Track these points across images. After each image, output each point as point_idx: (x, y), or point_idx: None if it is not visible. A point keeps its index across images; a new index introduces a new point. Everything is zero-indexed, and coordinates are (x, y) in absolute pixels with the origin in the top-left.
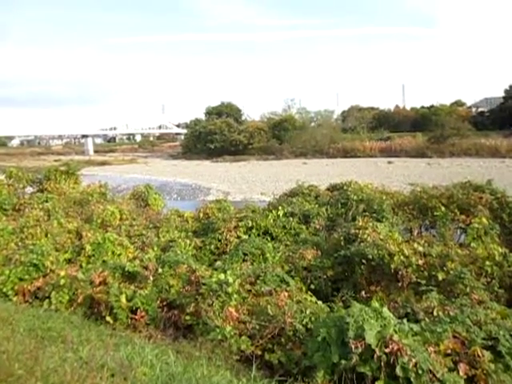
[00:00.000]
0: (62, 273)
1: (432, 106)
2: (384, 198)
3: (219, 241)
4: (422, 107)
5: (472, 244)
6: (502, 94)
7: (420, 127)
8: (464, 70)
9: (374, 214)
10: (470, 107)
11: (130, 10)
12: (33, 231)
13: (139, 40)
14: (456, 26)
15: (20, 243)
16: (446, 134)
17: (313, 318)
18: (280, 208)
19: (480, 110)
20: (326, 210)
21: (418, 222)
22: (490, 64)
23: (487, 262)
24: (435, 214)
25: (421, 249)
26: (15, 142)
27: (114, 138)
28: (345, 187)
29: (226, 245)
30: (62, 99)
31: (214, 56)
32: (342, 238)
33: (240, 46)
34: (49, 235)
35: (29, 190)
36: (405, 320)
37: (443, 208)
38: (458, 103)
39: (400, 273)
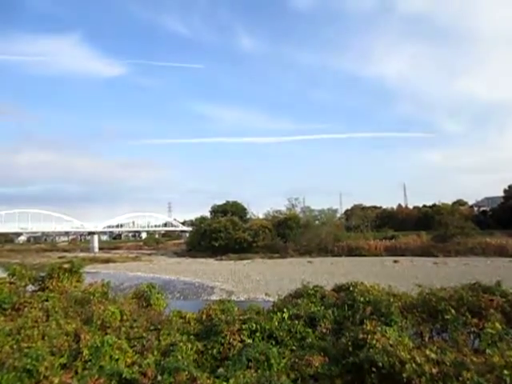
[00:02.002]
0: (56, 380)
1: (434, 205)
2: (392, 299)
3: (222, 345)
4: (425, 206)
5: (487, 350)
6: (501, 193)
7: (423, 226)
8: (463, 170)
9: (382, 318)
10: (471, 206)
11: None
12: (30, 333)
13: (146, 143)
14: (452, 130)
15: (15, 346)
16: (451, 232)
17: None
18: (285, 310)
19: (482, 209)
20: (333, 312)
21: (429, 325)
22: (488, 164)
23: (505, 371)
24: (446, 317)
25: (433, 356)
26: (22, 239)
27: (120, 235)
28: (351, 288)
29: (229, 349)
30: (72, 197)
31: (219, 158)
32: (349, 343)
33: (243, 148)
34: (46, 337)
35: (30, 287)
36: None
37: (453, 311)
38: (460, 202)
39: (413, 382)
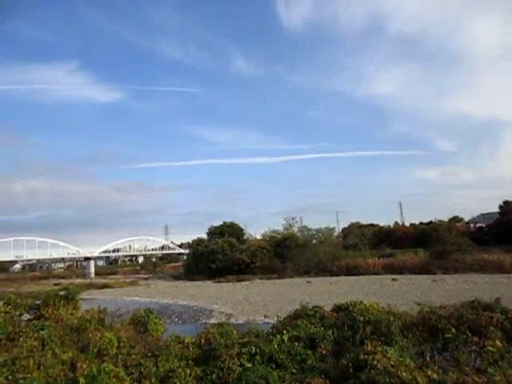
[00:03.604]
0: None
1: (431, 222)
2: (392, 319)
3: (221, 369)
4: (421, 223)
5: (489, 369)
6: (497, 209)
7: (420, 243)
8: (458, 187)
9: (383, 337)
10: (467, 223)
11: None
12: (25, 363)
13: (141, 166)
14: (446, 148)
15: (11, 377)
16: (448, 249)
17: None
18: (284, 332)
19: (478, 225)
20: (333, 332)
21: (430, 344)
22: (482, 181)
23: None
24: (446, 336)
25: (435, 376)
26: (17, 267)
27: (117, 260)
28: (350, 308)
29: (229, 374)
30: (67, 223)
31: (215, 179)
32: (350, 364)
33: (239, 169)
34: (42, 367)
35: (26, 316)
36: None
37: (454, 330)
38: (456, 219)
39: None
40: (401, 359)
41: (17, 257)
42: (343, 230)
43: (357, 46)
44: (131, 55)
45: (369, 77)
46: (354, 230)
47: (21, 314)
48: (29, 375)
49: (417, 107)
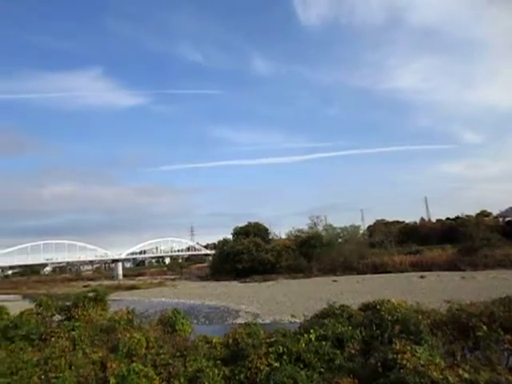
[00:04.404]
0: None
1: (458, 218)
2: (420, 317)
3: (249, 369)
4: (448, 219)
5: None
6: None
7: (448, 239)
8: (485, 180)
9: (412, 336)
10: (496, 217)
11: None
12: (57, 363)
13: (166, 168)
14: (471, 141)
15: (43, 376)
16: (477, 245)
17: None
18: (312, 331)
19: (507, 219)
20: (360, 332)
21: (460, 343)
22: (510, 173)
23: None
24: (477, 334)
25: (467, 375)
26: (48, 269)
27: (144, 261)
28: (378, 306)
29: (257, 374)
30: (95, 226)
31: (239, 180)
32: (379, 363)
33: (262, 169)
34: (73, 367)
35: (57, 317)
36: None
37: (485, 328)
38: (484, 213)
39: None
40: (431, 358)
41: (47, 260)
42: (368, 227)
43: (376, 40)
44: (152, 60)
45: (390, 71)
46: (379, 227)
47: (52, 315)
48: (61, 374)
49: (440, 100)
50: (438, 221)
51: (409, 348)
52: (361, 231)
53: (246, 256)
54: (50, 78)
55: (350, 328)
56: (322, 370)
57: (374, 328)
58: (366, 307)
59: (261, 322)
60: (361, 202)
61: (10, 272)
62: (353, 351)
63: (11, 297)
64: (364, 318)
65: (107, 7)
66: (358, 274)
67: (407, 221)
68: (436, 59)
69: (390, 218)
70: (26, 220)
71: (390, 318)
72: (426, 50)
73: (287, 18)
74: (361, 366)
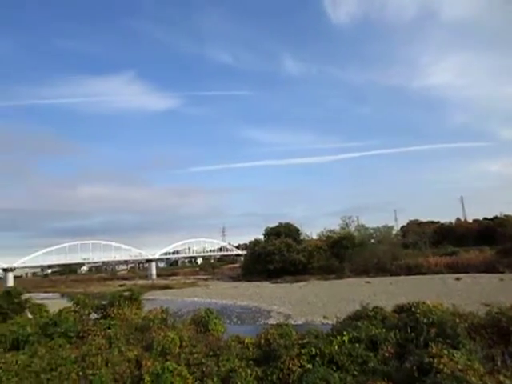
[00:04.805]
0: None
1: (496, 218)
2: (457, 320)
3: (281, 370)
4: (485, 219)
5: None
6: None
7: (485, 240)
8: None
9: (448, 340)
10: None
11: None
12: (94, 360)
13: (197, 170)
14: (509, 138)
15: (81, 373)
16: None
17: None
18: (345, 333)
19: None
20: (395, 334)
21: (500, 348)
22: None
23: None
24: None
25: (508, 382)
26: (84, 269)
27: (176, 261)
28: (413, 308)
29: (289, 375)
30: (129, 226)
31: (270, 180)
32: (414, 367)
33: (293, 170)
34: (109, 364)
35: (93, 316)
36: None
37: None
38: None
39: None
40: (469, 363)
41: (84, 259)
42: (402, 228)
43: (409, 36)
44: (184, 62)
45: (423, 67)
46: (413, 228)
47: (89, 314)
48: (98, 371)
49: (476, 96)
50: (474, 221)
51: (446, 352)
52: (394, 232)
53: (277, 256)
54: (86, 83)
55: (384, 330)
56: (355, 372)
57: (409, 331)
58: (400, 309)
59: (293, 322)
60: (393, 202)
61: (49, 271)
62: (387, 354)
63: (50, 295)
64: (398, 321)
65: (139, 11)
66: (391, 275)
67: (442, 221)
68: (471, 54)
69: (423, 219)
70: (64, 221)
71: (425, 320)
72: (461, 45)
73: (317, 18)
74: (395, 370)
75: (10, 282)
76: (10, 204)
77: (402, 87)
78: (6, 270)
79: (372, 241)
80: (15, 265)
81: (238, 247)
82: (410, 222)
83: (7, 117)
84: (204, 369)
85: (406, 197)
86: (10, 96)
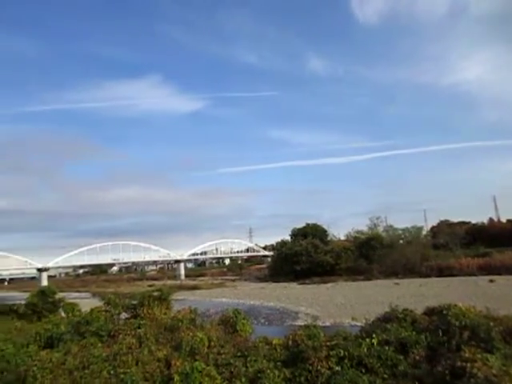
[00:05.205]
0: None
1: None
2: (491, 323)
3: (310, 372)
4: None
5: None
6: None
7: None
8: None
9: (482, 344)
10: None
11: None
12: (125, 359)
13: (224, 171)
14: None
15: (112, 371)
16: None
17: None
18: (374, 335)
19: None
20: (425, 337)
21: None
22: None
23: None
24: None
25: None
26: (115, 269)
27: (204, 262)
28: (444, 311)
29: (317, 377)
30: (157, 227)
31: (296, 181)
32: (447, 371)
33: (319, 170)
34: (139, 363)
35: (124, 315)
36: None
37: None
38: None
39: None
40: (504, 368)
41: (114, 260)
42: (432, 228)
43: (439, 32)
44: (209, 64)
45: (453, 63)
46: (443, 228)
47: (119, 313)
48: (128, 370)
49: (508, 91)
50: (508, 221)
51: (479, 356)
52: (423, 232)
53: (304, 257)
54: (113, 87)
55: (414, 333)
56: (385, 375)
57: (440, 334)
58: (430, 312)
59: (321, 324)
60: (422, 202)
61: (80, 271)
62: (417, 357)
63: (82, 294)
64: (429, 323)
65: (163, 15)
66: (420, 276)
67: (474, 221)
68: (503, 48)
69: (454, 219)
70: (95, 222)
71: (457, 323)
72: (493, 39)
73: (343, 15)
74: (426, 374)
75: (44, 282)
76: (44, 206)
77: (431, 84)
78: (40, 270)
79: (401, 241)
80: (49, 265)
81: (264, 248)
82: (441, 222)
83: (39, 121)
84: (232, 369)
85: (436, 197)
86: (40, 101)
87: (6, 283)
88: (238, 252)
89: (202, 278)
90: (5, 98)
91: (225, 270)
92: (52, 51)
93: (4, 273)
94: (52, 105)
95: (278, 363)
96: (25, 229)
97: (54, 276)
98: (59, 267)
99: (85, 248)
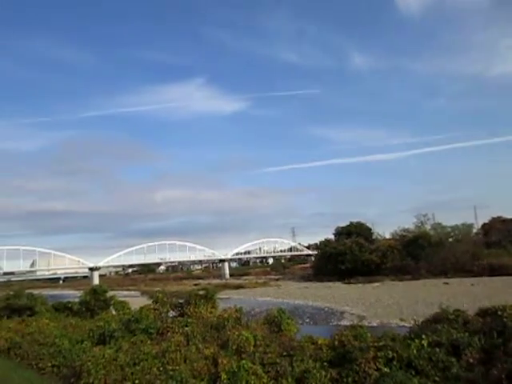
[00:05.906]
0: None
1: None
2: None
3: (357, 373)
4: None
5: None
6: None
7: None
8: None
9: None
10: None
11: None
12: (173, 356)
13: (268, 170)
14: None
15: (162, 368)
16: None
17: None
18: (423, 336)
19: None
20: (479, 339)
21: None
22: None
23: None
24: None
25: None
26: (162, 268)
27: (248, 261)
28: (499, 312)
29: (365, 378)
30: (203, 227)
31: (340, 179)
32: (503, 375)
33: (364, 167)
34: (187, 361)
35: (171, 313)
36: None
37: None
38: None
39: None
40: None
41: (161, 259)
42: (483, 226)
43: (486, 19)
44: (251, 64)
45: (503, 52)
46: (496, 225)
47: (167, 311)
48: (177, 367)
49: None
50: None
51: None
52: (474, 230)
53: (348, 256)
54: (159, 91)
55: (467, 335)
56: (436, 378)
57: (495, 336)
58: (484, 313)
59: (367, 324)
60: (472, 198)
61: (129, 270)
62: (471, 360)
63: (132, 293)
64: (483, 325)
65: (205, 18)
66: (472, 276)
67: None
68: None
69: (508, 216)
70: (144, 222)
71: None
72: None
73: (385, 9)
74: (481, 377)
75: (96, 281)
76: (95, 208)
77: (478, 75)
78: (92, 269)
79: (450, 240)
80: (100, 264)
81: (308, 247)
82: (493, 219)
83: (91, 126)
84: (278, 368)
85: (487, 192)
86: (94, 106)
87: (61, 282)
88: (281, 251)
89: (246, 277)
90: (62, 105)
91: (268, 269)
92: (104, 59)
93: (59, 272)
94: (105, 110)
95: (325, 363)
96: (78, 230)
97: (105, 275)
98: (109, 266)
99: (133, 248)
